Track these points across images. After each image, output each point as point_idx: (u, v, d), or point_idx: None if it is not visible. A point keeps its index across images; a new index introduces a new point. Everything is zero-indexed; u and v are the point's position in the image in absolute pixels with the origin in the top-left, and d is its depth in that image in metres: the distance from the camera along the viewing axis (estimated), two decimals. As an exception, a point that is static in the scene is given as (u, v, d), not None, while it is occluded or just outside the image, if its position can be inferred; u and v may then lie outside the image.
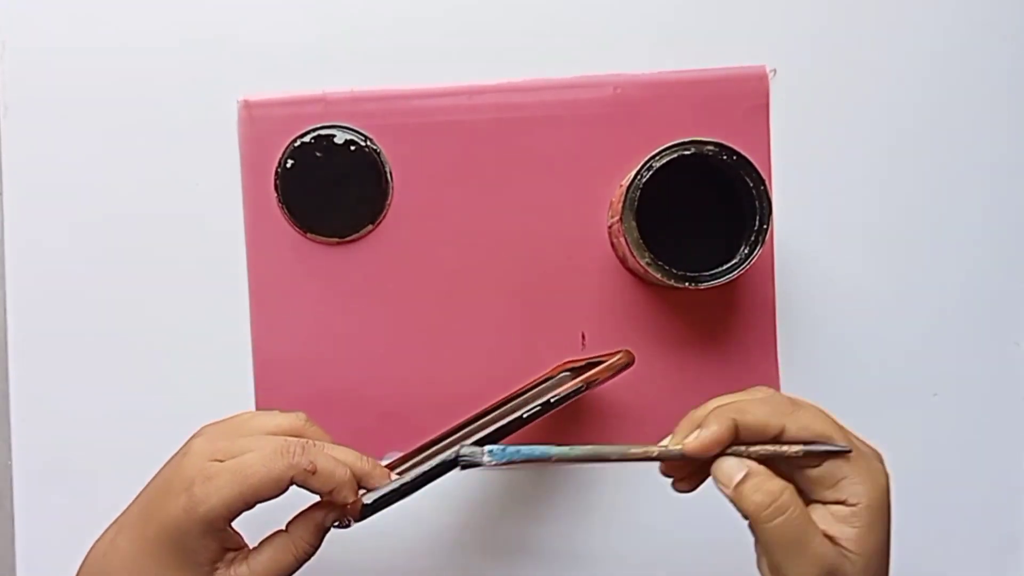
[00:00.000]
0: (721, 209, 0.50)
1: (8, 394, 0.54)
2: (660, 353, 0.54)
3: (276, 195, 0.54)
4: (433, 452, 0.43)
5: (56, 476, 0.54)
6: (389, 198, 0.54)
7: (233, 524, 0.43)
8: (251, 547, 0.42)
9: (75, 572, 0.46)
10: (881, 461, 0.38)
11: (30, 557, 0.54)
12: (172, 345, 0.54)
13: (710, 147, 0.47)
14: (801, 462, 0.37)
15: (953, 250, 0.54)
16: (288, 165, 0.53)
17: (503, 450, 0.38)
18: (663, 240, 0.47)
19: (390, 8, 0.54)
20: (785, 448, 0.37)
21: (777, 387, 0.54)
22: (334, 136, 0.53)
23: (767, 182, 0.47)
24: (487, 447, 0.39)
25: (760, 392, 0.39)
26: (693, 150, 0.47)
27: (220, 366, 0.54)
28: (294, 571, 0.41)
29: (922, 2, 0.54)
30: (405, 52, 0.54)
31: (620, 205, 0.47)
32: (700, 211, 0.51)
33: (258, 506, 0.40)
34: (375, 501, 0.41)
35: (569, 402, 0.43)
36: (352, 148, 0.53)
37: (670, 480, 0.40)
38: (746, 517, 0.36)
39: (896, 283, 0.54)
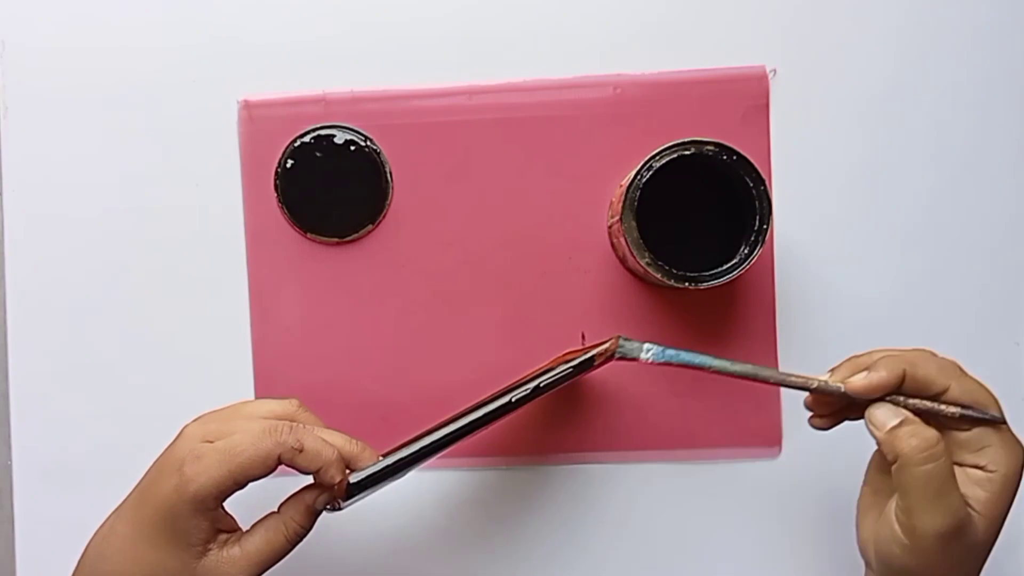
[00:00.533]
0: (721, 209, 0.50)
1: (8, 394, 0.54)
2: (660, 353, 0.54)
3: (276, 195, 0.54)
4: (419, 436, 0.43)
5: (56, 476, 0.54)
6: (389, 198, 0.54)
7: (230, 512, 0.43)
8: (244, 529, 0.42)
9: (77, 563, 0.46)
10: (1015, 436, 0.40)
11: (30, 557, 0.54)
12: (172, 345, 0.54)
13: (710, 147, 0.47)
14: (952, 423, 0.39)
15: (953, 250, 0.54)
16: (288, 165, 0.53)
17: (663, 351, 0.41)
18: (663, 240, 0.47)
19: (390, 8, 0.54)
20: (944, 407, 0.39)
21: (777, 388, 0.53)
22: (334, 136, 0.53)
23: (767, 182, 0.47)
24: (646, 344, 0.40)
25: (928, 351, 0.40)
26: (693, 150, 0.47)
27: (220, 366, 0.54)
28: (286, 552, 0.42)
29: (922, 2, 0.54)
30: (405, 52, 0.54)
31: (620, 205, 0.47)
32: (700, 211, 0.51)
33: (255, 496, 0.40)
34: (362, 480, 0.41)
35: (560, 387, 0.43)
36: (352, 148, 0.53)
37: (809, 414, 0.42)
38: (894, 461, 0.38)
39: (896, 283, 0.54)
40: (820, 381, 0.40)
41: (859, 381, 0.39)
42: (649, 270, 0.47)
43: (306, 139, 0.53)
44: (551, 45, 0.54)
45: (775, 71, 0.54)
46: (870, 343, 0.53)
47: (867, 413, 0.39)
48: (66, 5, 0.54)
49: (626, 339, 0.41)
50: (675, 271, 0.47)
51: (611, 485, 0.54)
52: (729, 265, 0.47)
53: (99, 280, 0.54)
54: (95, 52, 0.54)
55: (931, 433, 0.38)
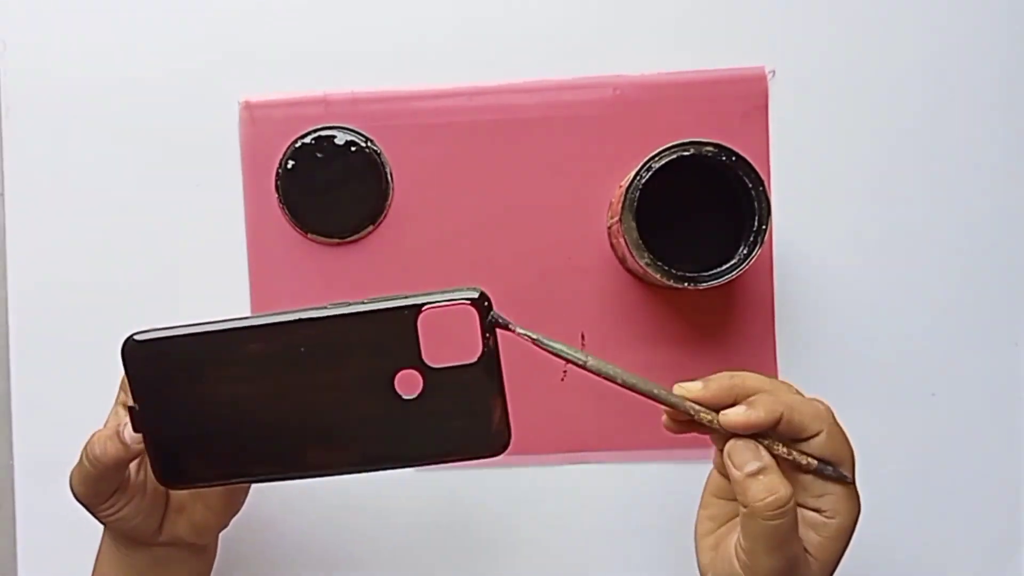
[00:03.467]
0: (720, 210, 0.50)
1: (9, 394, 0.54)
2: (660, 353, 0.54)
3: (277, 195, 0.54)
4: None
5: (57, 476, 0.54)
6: (389, 198, 0.54)
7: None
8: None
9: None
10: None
11: (31, 557, 0.54)
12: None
13: (709, 148, 0.47)
14: (804, 470, 0.38)
15: (952, 250, 0.54)
16: (289, 166, 0.53)
17: (539, 337, 0.39)
18: (662, 240, 0.47)
19: (390, 9, 0.54)
20: (802, 458, 0.38)
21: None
22: (335, 137, 0.53)
23: (766, 183, 0.47)
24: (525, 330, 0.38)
25: (795, 389, 0.40)
26: (692, 151, 0.47)
27: (221, 366, 0.54)
28: (92, 478, 0.42)
29: (921, 3, 0.54)
30: (405, 53, 0.54)
31: (620, 206, 0.48)
32: (699, 211, 0.51)
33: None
34: (143, 340, 0.38)
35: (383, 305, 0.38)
36: (353, 149, 0.53)
37: (663, 410, 0.41)
38: (744, 505, 0.37)
39: (895, 283, 0.54)
40: (695, 407, 0.39)
41: (737, 417, 0.37)
42: (648, 270, 0.47)
43: (307, 140, 0.53)
44: (551, 46, 0.54)
45: (774, 72, 0.54)
46: (868, 343, 0.54)
47: (728, 447, 0.38)
48: (66, 6, 0.54)
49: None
50: (674, 271, 0.47)
51: (611, 485, 0.54)
52: (728, 265, 0.47)
53: (100, 280, 0.54)
54: (96, 53, 0.54)
55: (785, 491, 0.37)
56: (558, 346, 0.39)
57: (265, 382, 0.38)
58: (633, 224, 0.47)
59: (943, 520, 0.54)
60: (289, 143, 0.54)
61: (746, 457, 0.38)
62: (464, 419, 0.39)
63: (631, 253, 0.47)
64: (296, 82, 0.54)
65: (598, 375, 0.39)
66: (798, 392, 0.40)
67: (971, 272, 0.54)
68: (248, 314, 0.42)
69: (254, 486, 0.46)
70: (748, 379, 0.39)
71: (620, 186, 0.50)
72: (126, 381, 0.43)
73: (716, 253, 0.50)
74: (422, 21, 0.54)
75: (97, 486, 0.42)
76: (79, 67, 0.54)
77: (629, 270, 0.53)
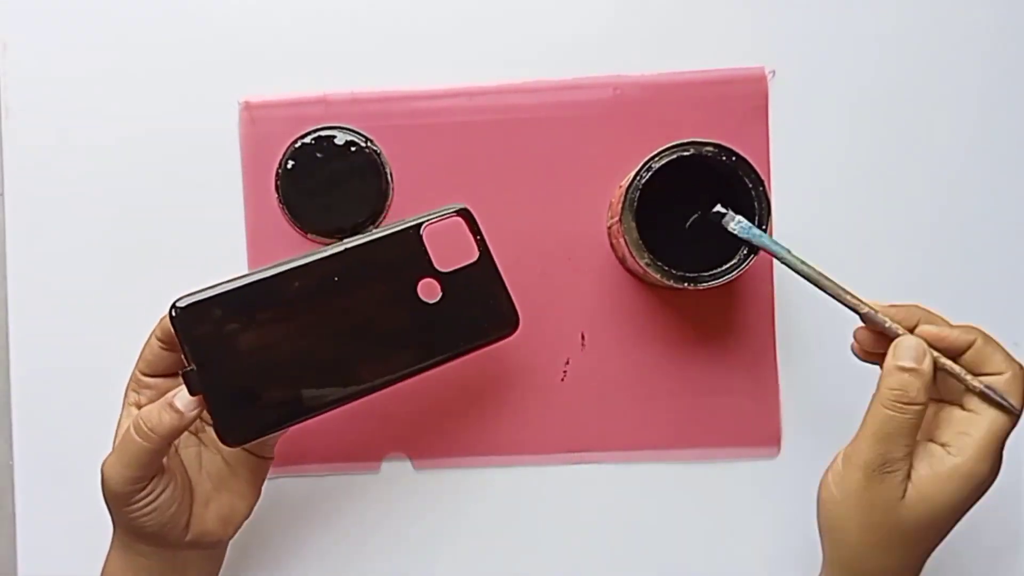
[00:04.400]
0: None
1: (9, 394, 0.54)
2: (660, 353, 0.54)
3: (277, 196, 0.54)
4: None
5: (57, 476, 0.54)
6: (389, 198, 0.54)
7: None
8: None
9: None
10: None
11: (31, 556, 0.54)
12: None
13: (709, 148, 0.47)
14: (966, 397, 0.40)
15: (952, 250, 0.54)
16: (289, 166, 0.53)
17: (749, 228, 0.44)
18: (662, 241, 0.47)
19: (390, 9, 0.54)
20: (972, 379, 0.40)
21: (776, 387, 0.54)
22: (335, 137, 0.53)
23: (766, 183, 0.47)
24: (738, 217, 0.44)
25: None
26: (692, 151, 0.47)
27: (221, 366, 0.54)
28: (149, 454, 0.42)
29: (921, 3, 0.54)
30: (405, 53, 0.54)
31: (619, 206, 0.48)
32: (699, 212, 0.51)
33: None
34: (187, 305, 0.41)
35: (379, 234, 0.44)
36: (352, 149, 0.53)
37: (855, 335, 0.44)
38: (878, 387, 0.40)
39: (895, 283, 0.54)
40: (885, 318, 0.42)
41: (931, 330, 0.41)
42: (648, 270, 0.47)
43: (307, 140, 0.53)
44: (551, 46, 0.54)
45: (774, 72, 0.54)
46: (869, 343, 0.54)
47: (897, 340, 0.41)
48: (67, 6, 0.54)
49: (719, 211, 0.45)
50: (674, 271, 0.47)
51: (611, 485, 0.54)
52: (728, 265, 0.47)
53: (100, 280, 0.54)
54: (96, 53, 0.54)
55: (920, 395, 0.39)
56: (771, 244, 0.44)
57: (309, 316, 0.43)
58: (633, 224, 0.47)
59: (943, 520, 0.54)
60: (289, 143, 0.54)
61: (907, 352, 0.40)
62: (479, 309, 0.45)
63: (631, 253, 0.47)
64: (296, 82, 0.54)
65: (799, 274, 0.43)
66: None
67: (971, 272, 0.54)
68: (275, 262, 0.44)
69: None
70: (939, 320, 0.42)
71: (620, 186, 0.50)
72: (137, 372, 0.45)
73: (716, 253, 0.50)
74: (422, 21, 0.54)
75: (143, 468, 0.41)
76: (79, 67, 0.54)
77: (629, 270, 0.53)
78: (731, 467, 0.54)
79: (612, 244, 0.53)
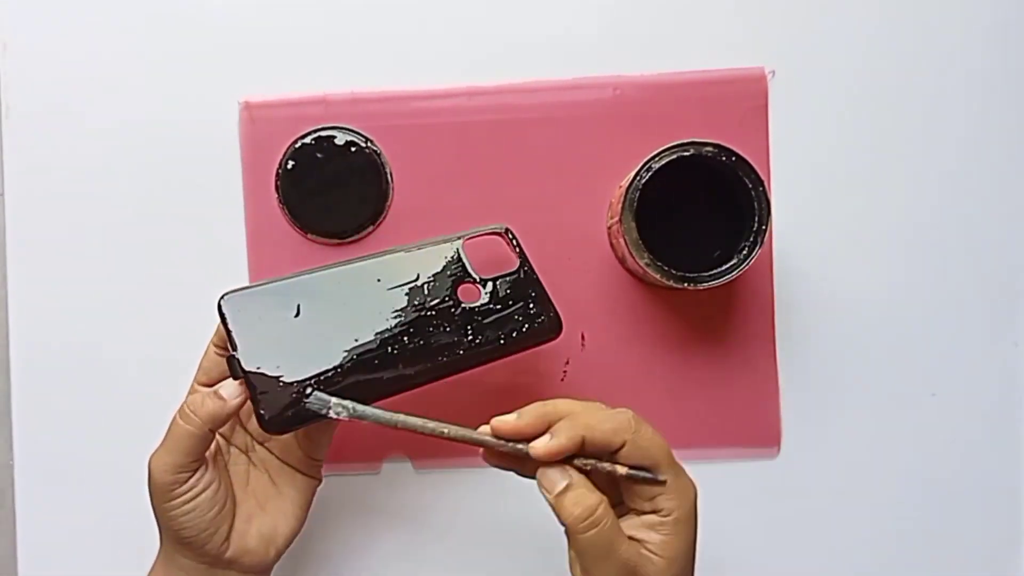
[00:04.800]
0: (720, 210, 0.50)
1: (9, 394, 0.54)
2: (660, 353, 0.54)
3: (277, 196, 0.54)
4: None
5: (57, 476, 0.54)
6: (389, 199, 0.54)
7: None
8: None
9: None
10: (687, 477, 0.42)
11: (31, 556, 0.54)
12: (173, 346, 0.54)
13: (709, 148, 0.47)
14: (619, 479, 0.40)
15: (952, 250, 0.54)
16: (289, 166, 0.53)
17: (353, 408, 0.42)
18: (662, 241, 0.47)
19: (390, 9, 0.54)
20: (615, 467, 0.40)
21: (776, 387, 0.54)
22: (335, 137, 0.53)
23: (766, 183, 0.47)
24: (339, 401, 0.42)
25: (599, 405, 0.41)
26: (692, 151, 0.47)
27: (221, 366, 0.54)
28: (198, 443, 0.43)
29: (921, 3, 0.54)
30: (405, 53, 0.54)
31: (619, 206, 0.48)
32: (699, 212, 0.52)
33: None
34: (232, 294, 0.44)
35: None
36: (352, 149, 0.53)
37: (480, 450, 0.42)
38: (563, 525, 0.39)
39: (895, 283, 0.54)
40: (508, 445, 0.41)
41: (540, 448, 0.40)
42: (648, 270, 0.47)
43: (307, 140, 0.53)
44: (551, 46, 0.54)
45: (774, 72, 0.54)
46: (868, 343, 0.54)
47: (539, 475, 0.40)
48: (67, 6, 0.54)
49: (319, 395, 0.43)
50: (674, 271, 0.47)
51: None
52: (728, 265, 0.47)
53: (100, 280, 0.54)
54: (96, 53, 0.54)
55: (593, 500, 0.39)
56: (372, 413, 0.42)
57: (352, 313, 0.45)
58: (633, 224, 0.47)
59: (943, 520, 0.54)
60: (289, 143, 0.54)
61: (554, 479, 0.40)
62: (522, 312, 0.48)
63: (631, 253, 0.47)
64: (296, 82, 0.54)
65: (411, 430, 0.42)
66: (605, 408, 0.41)
67: (971, 272, 0.54)
68: (318, 266, 0.46)
69: None
70: (559, 405, 0.41)
71: (620, 186, 0.50)
72: (195, 384, 0.46)
73: (715, 253, 0.50)
74: (422, 21, 0.54)
75: (185, 454, 0.42)
76: (79, 67, 0.54)
77: (629, 270, 0.53)
78: (731, 467, 0.54)
79: (612, 244, 0.53)
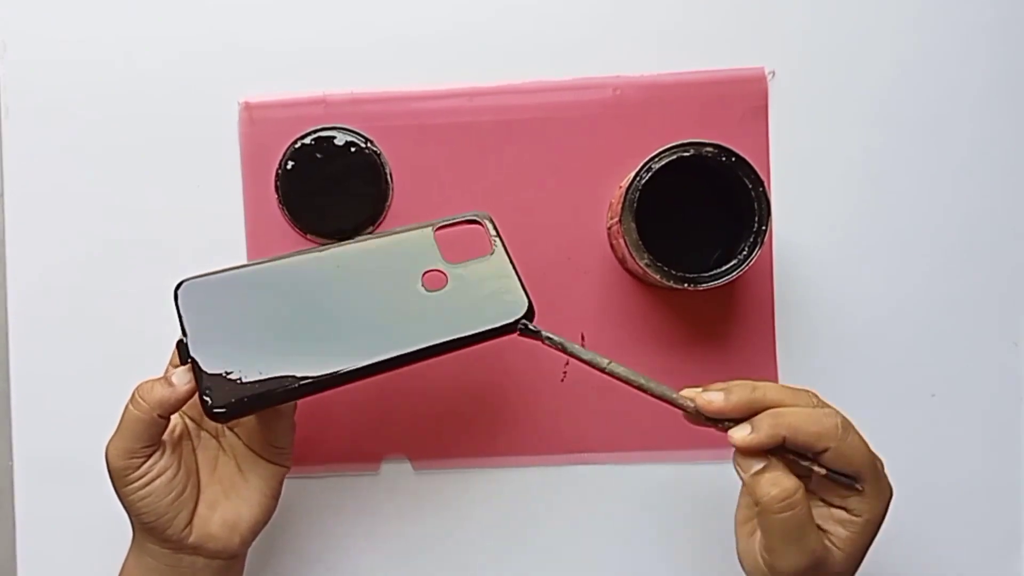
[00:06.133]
0: (720, 210, 0.50)
1: (9, 394, 0.54)
2: (660, 353, 0.54)
3: (277, 196, 0.54)
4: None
5: (56, 476, 0.54)
6: (389, 199, 0.54)
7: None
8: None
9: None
10: (886, 481, 0.42)
11: (31, 557, 0.54)
12: (172, 345, 0.54)
13: (709, 148, 0.47)
14: (821, 478, 0.40)
15: (952, 250, 0.54)
16: (289, 166, 0.53)
17: (562, 343, 0.43)
18: (662, 241, 0.47)
19: (390, 10, 0.54)
20: (813, 466, 0.40)
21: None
22: (334, 137, 0.53)
23: (766, 183, 0.47)
24: (549, 334, 0.43)
25: (813, 402, 0.41)
26: (692, 151, 0.47)
27: (221, 367, 0.54)
28: (150, 431, 0.43)
29: (921, 3, 0.54)
30: (405, 54, 0.54)
31: (619, 206, 0.48)
32: (699, 212, 0.52)
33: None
34: (189, 281, 0.44)
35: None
36: (352, 149, 0.53)
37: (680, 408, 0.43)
38: (756, 504, 0.39)
39: (894, 283, 0.54)
40: (709, 420, 0.41)
41: (740, 438, 0.40)
42: (648, 271, 0.47)
43: (306, 140, 0.53)
44: (551, 46, 0.54)
45: (774, 73, 0.54)
46: (868, 343, 0.54)
47: (736, 453, 0.41)
48: (67, 6, 0.54)
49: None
50: (674, 272, 0.47)
51: (611, 485, 0.54)
52: (728, 266, 0.47)
53: (100, 280, 0.54)
54: (96, 53, 0.54)
55: (791, 483, 0.39)
56: (584, 354, 0.42)
57: (308, 300, 0.43)
58: (633, 224, 0.47)
59: (943, 520, 0.54)
60: (289, 144, 0.54)
61: (750, 459, 0.40)
62: (491, 299, 0.45)
63: (631, 253, 0.47)
64: (296, 82, 0.54)
65: (622, 380, 0.42)
66: (818, 402, 0.41)
67: (971, 272, 0.54)
68: (282, 254, 0.45)
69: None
70: (769, 392, 0.41)
71: (620, 186, 0.50)
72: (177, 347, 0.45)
73: (715, 254, 0.50)
74: (422, 21, 0.54)
75: (135, 440, 0.42)
76: (79, 67, 0.54)
77: (629, 270, 0.53)
78: (731, 467, 0.54)
79: (612, 244, 0.53)
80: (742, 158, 0.47)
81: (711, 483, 0.54)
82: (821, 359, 0.54)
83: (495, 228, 0.46)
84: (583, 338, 0.54)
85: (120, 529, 0.45)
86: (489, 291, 0.45)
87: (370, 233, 0.46)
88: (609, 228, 0.53)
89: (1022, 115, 0.54)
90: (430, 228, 0.46)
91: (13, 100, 0.55)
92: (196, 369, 0.41)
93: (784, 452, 0.40)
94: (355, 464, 0.54)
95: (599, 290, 0.54)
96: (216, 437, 0.47)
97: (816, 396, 0.41)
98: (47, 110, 0.55)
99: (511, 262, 0.46)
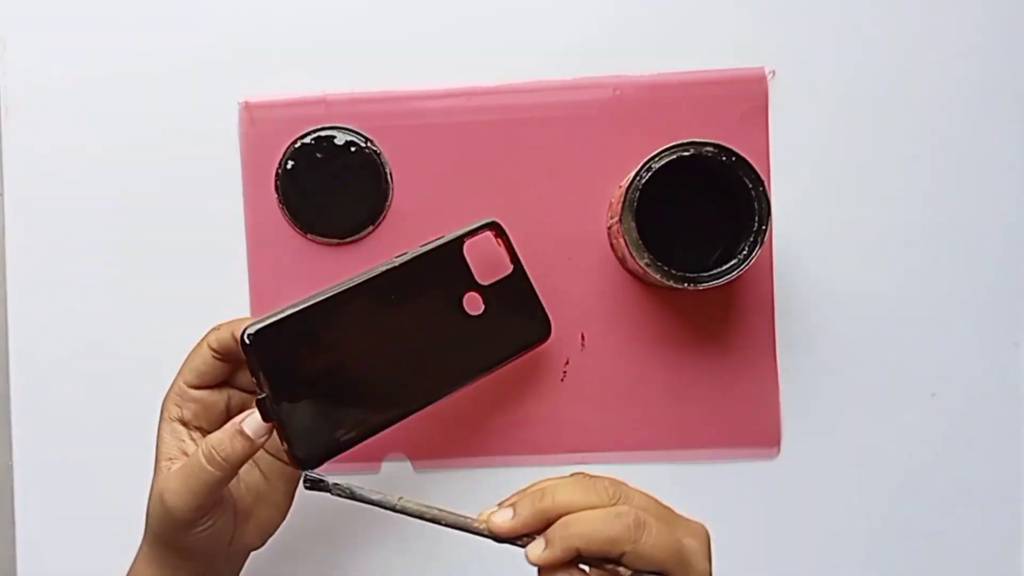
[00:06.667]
0: (720, 210, 0.50)
1: (9, 394, 0.54)
2: (660, 353, 0.54)
3: (277, 196, 0.54)
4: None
5: (57, 476, 0.54)
6: (389, 199, 0.54)
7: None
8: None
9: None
10: (705, 563, 0.38)
11: (31, 557, 0.54)
12: (172, 345, 0.54)
13: (709, 148, 0.47)
14: None
15: (952, 250, 0.54)
16: (288, 166, 0.53)
17: (351, 491, 0.41)
18: (662, 241, 0.47)
19: (390, 9, 0.54)
20: (618, 571, 0.38)
21: (776, 387, 0.54)
22: (334, 137, 0.53)
23: (766, 183, 0.47)
24: (337, 483, 0.41)
25: (607, 495, 0.38)
26: (692, 151, 0.47)
27: (221, 366, 0.54)
28: (216, 481, 0.41)
29: (921, 3, 0.54)
30: (405, 53, 0.54)
31: (619, 206, 0.48)
32: (699, 212, 0.52)
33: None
34: (257, 330, 0.42)
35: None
36: (352, 149, 0.53)
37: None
38: None
39: (894, 283, 0.54)
40: (501, 533, 0.39)
41: (535, 557, 0.38)
42: (648, 270, 0.47)
43: (306, 140, 0.53)
44: (551, 46, 0.54)
45: (774, 72, 0.54)
46: (868, 343, 0.54)
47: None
48: (66, 6, 0.54)
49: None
50: (674, 271, 0.47)
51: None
52: (728, 266, 0.47)
53: (100, 280, 0.54)
54: (96, 53, 0.54)
55: None
56: (372, 496, 0.41)
57: (370, 335, 0.44)
58: (633, 224, 0.47)
59: (943, 520, 0.54)
60: (289, 143, 0.54)
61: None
62: (517, 318, 0.48)
63: (631, 253, 0.47)
64: (296, 82, 0.54)
65: (414, 515, 0.40)
66: (614, 492, 0.38)
67: (971, 272, 0.54)
68: (334, 285, 0.45)
69: None
70: (559, 493, 0.38)
71: (620, 186, 0.50)
72: (182, 383, 0.44)
73: (715, 253, 0.50)
74: (422, 21, 0.54)
75: (213, 496, 0.41)
76: (79, 67, 0.54)
77: (629, 270, 0.53)
78: (731, 467, 0.54)
79: (612, 244, 0.53)
80: (742, 158, 0.47)
81: (711, 483, 0.54)
82: (821, 358, 0.54)
83: (506, 235, 0.49)
84: (583, 338, 0.54)
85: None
86: (516, 310, 0.48)
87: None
88: (609, 228, 0.53)
89: (1022, 114, 0.54)
90: (460, 241, 0.47)
91: (13, 100, 0.55)
92: (280, 425, 0.41)
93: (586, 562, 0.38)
94: (355, 464, 0.54)
95: (599, 290, 0.54)
96: None
97: (614, 485, 0.38)
98: (47, 110, 0.54)
99: (527, 276, 0.48)
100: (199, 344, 0.45)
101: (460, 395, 0.53)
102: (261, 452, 0.46)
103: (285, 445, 0.41)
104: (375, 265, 0.46)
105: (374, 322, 0.45)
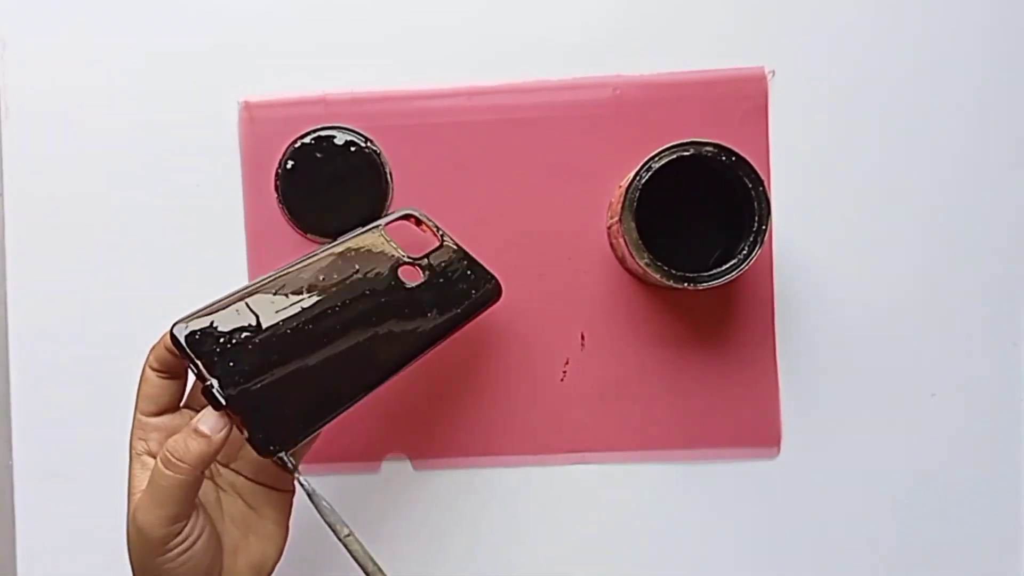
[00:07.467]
0: (720, 210, 0.50)
1: (9, 394, 0.54)
2: (660, 353, 0.54)
3: (276, 196, 0.54)
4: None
5: (57, 476, 0.54)
6: (389, 198, 0.54)
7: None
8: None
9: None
10: None
11: (31, 556, 0.54)
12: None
13: (709, 148, 0.47)
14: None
15: (952, 250, 0.54)
16: (288, 166, 0.53)
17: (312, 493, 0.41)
18: (662, 241, 0.47)
19: (390, 9, 0.54)
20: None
21: (776, 387, 0.54)
22: (334, 137, 0.53)
23: (766, 183, 0.47)
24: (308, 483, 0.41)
25: None
26: (692, 151, 0.47)
27: (221, 366, 0.54)
28: (180, 488, 0.40)
29: (921, 3, 0.54)
30: (405, 53, 0.54)
31: (619, 206, 0.48)
32: (699, 212, 0.52)
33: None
34: (185, 321, 0.41)
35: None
36: (352, 149, 0.53)
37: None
38: None
39: (894, 283, 0.54)
40: None
41: None
42: (648, 270, 0.47)
43: (306, 140, 0.53)
44: (551, 46, 0.54)
45: (774, 72, 0.54)
46: (868, 343, 0.54)
47: None
48: (66, 6, 0.54)
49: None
50: (674, 271, 0.47)
51: (611, 485, 0.54)
52: (728, 265, 0.47)
53: (100, 280, 0.54)
54: (96, 53, 0.54)
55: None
56: (326, 514, 0.41)
57: (310, 315, 0.44)
58: (633, 224, 0.47)
59: (943, 520, 0.54)
60: (288, 143, 0.54)
61: None
62: (461, 283, 0.49)
63: (631, 253, 0.47)
64: (296, 82, 0.54)
65: (353, 557, 0.40)
66: None
67: (971, 272, 0.54)
68: (258, 278, 0.45)
69: None
70: None
71: (620, 186, 0.50)
72: (139, 416, 0.43)
73: (715, 253, 0.50)
74: (422, 21, 0.54)
75: (178, 504, 0.39)
76: (79, 67, 0.54)
77: (629, 270, 0.53)
78: (731, 467, 0.54)
79: (612, 244, 0.53)
80: (742, 158, 0.47)
81: (711, 483, 0.54)
82: (821, 358, 0.54)
83: (428, 218, 0.51)
84: (583, 338, 0.54)
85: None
86: (459, 275, 0.49)
87: (317, 248, 0.48)
88: (609, 228, 0.53)
89: (1022, 114, 0.54)
90: (379, 228, 0.49)
91: (13, 100, 0.55)
92: (233, 411, 0.40)
93: None
94: (355, 463, 0.54)
95: (599, 290, 0.54)
96: (212, 478, 0.44)
97: None
98: (47, 110, 0.55)
99: (458, 244, 0.50)
100: (142, 371, 0.43)
101: (460, 395, 0.53)
102: (243, 482, 0.45)
103: (244, 433, 0.40)
104: (306, 253, 0.47)
105: (313, 303, 0.44)
